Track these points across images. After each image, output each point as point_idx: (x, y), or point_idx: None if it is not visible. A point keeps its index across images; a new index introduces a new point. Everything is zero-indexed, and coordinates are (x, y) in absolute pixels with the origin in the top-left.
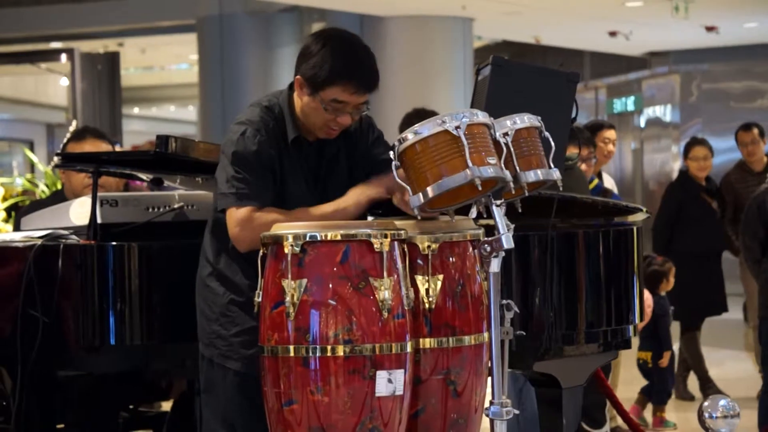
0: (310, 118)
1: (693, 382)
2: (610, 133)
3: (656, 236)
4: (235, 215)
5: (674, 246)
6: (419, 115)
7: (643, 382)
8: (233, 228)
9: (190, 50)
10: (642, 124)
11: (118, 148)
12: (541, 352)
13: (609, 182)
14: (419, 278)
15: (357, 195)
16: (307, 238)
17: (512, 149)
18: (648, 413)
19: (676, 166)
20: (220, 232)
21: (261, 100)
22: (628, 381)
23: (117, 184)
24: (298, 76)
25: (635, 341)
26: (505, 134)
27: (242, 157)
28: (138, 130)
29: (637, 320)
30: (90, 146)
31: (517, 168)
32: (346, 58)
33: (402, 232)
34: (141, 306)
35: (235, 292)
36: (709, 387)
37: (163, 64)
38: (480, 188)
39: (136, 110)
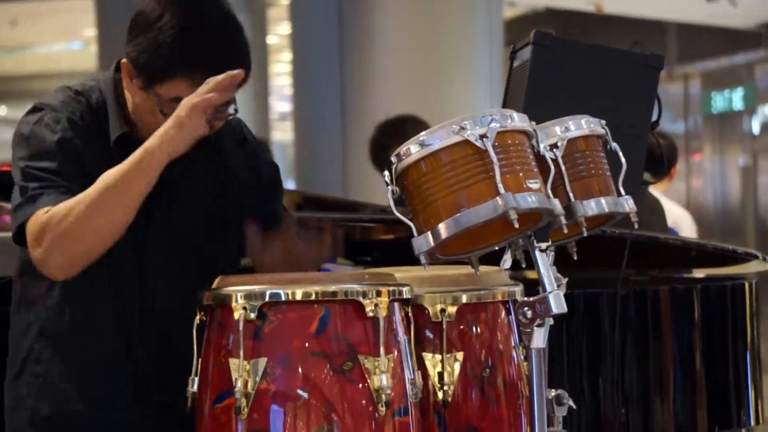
0: (145, 122)
1: None
2: (675, 169)
3: None
4: (31, 228)
5: None
6: (390, 129)
7: None
8: (33, 249)
9: (84, 22)
10: (755, 129)
11: None
12: None
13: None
14: (429, 357)
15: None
16: (267, 298)
17: (564, 168)
18: None
19: None
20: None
21: (72, 84)
22: None
23: None
24: (124, 60)
25: None
26: (554, 146)
27: (37, 148)
28: (6, 139)
29: (752, 422)
30: None
31: (571, 195)
32: (191, 36)
33: (405, 288)
34: None
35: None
36: None
37: (45, 43)
38: (516, 225)
39: (2, 111)
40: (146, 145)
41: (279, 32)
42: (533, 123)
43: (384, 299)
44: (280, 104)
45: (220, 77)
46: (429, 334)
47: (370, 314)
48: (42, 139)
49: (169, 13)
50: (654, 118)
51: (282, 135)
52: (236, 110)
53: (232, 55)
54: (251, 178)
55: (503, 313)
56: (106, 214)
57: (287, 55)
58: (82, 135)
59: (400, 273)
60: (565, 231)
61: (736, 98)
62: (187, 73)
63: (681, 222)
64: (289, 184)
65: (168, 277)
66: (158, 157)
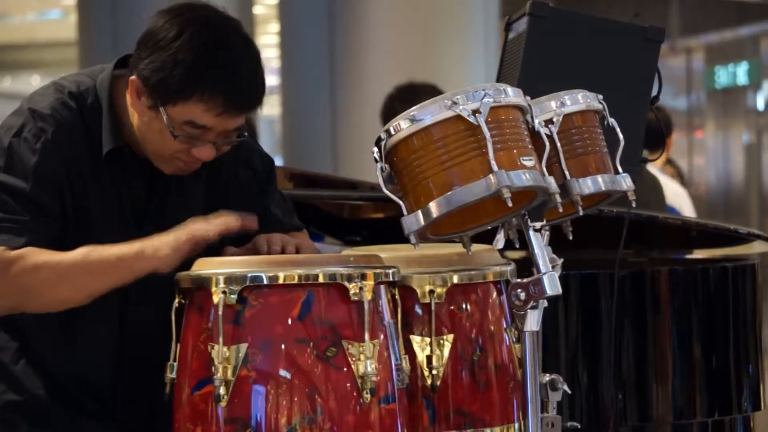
0: (150, 143)
1: None
2: (670, 140)
3: None
4: None
5: None
6: (405, 95)
7: None
8: None
9: None
10: (760, 105)
11: None
12: None
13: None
14: (417, 340)
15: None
16: (248, 282)
17: (559, 145)
18: None
19: None
20: None
21: (66, 80)
22: None
23: None
24: (132, 77)
25: None
26: (549, 122)
27: (12, 165)
28: None
29: (752, 408)
30: None
31: (567, 173)
32: (212, 57)
33: (392, 270)
34: None
35: (14, 389)
36: None
37: (22, 12)
38: (510, 204)
39: None
40: (138, 250)
41: (266, 2)
42: (528, 98)
43: (369, 282)
44: (267, 77)
45: (233, 222)
46: (417, 316)
47: (355, 297)
48: (19, 157)
49: (189, 32)
50: (654, 93)
51: (269, 110)
52: (246, 134)
53: (250, 80)
54: (245, 174)
55: (494, 294)
56: (72, 290)
57: (275, 26)
58: (68, 148)
59: (388, 252)
60: (561, 210)
61: (741, 73)
62: (204, 94)
63: (677, 198)
64: (277, 161)
65: (163, 288)
66: (145, 267)
